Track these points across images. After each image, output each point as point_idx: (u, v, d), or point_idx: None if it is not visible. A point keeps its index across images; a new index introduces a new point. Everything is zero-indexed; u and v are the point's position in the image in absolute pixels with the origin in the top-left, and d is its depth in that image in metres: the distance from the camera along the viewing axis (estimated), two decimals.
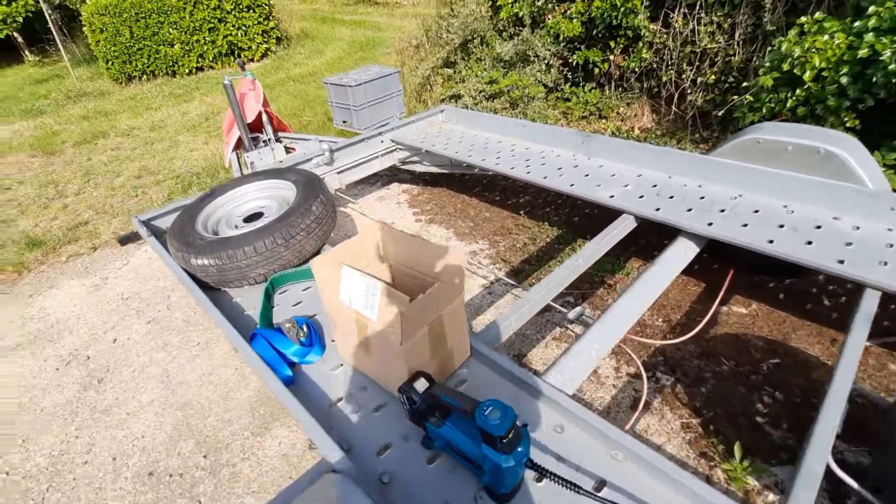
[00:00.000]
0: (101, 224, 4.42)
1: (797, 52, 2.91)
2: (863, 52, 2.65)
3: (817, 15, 3.02)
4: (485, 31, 5.33)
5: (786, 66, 2.98)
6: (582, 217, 3.49)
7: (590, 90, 5.00)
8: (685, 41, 4.18)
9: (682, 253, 2.24)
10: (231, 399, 2.41)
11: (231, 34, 9.77)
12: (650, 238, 3.09)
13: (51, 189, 5.28)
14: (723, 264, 2.75)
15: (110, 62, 9.37)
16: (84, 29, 9.36)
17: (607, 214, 3.41)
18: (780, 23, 3.54)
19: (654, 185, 2.58)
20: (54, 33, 10.65)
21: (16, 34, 12.10)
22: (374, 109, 3.96)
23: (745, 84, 3.56)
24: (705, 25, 4.00)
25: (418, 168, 3.81)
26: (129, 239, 2.76)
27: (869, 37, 2.65)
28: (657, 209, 2.37)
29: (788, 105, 3.08)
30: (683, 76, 4.30)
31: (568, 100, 5.10)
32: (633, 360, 2.30)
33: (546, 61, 4.92)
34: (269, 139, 3.95)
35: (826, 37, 2.86)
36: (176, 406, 2.41)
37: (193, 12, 9.27)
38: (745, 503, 1.69)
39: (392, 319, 1.28)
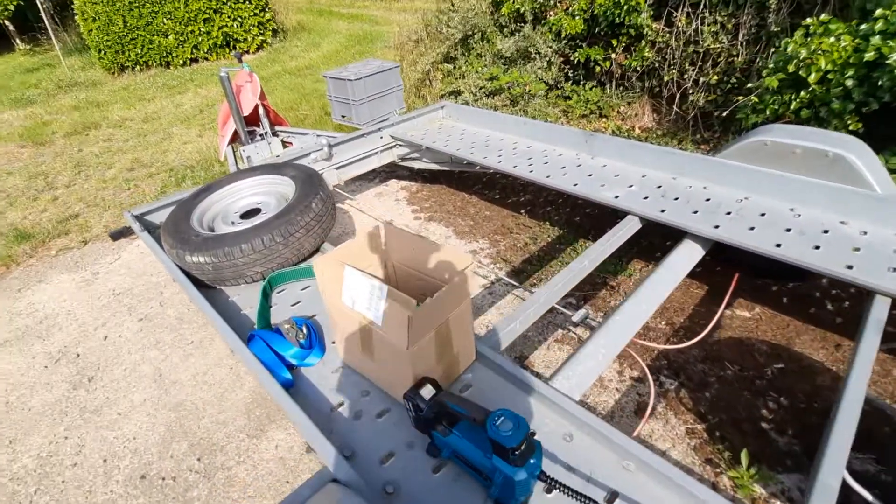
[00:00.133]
0: (92, 217, 4.33)
1: (803, 53, 2.88)
2: (869, 55, 2.63)
3: (823, 17, 2.99)
4: (485, 27, 5.27)
5: (791, 68, 2.96)
6: (583, 217, 3.45)
7: (590, 88, 4.96)
8: (688, 41, 4.15)
9: (687, 256, 2.21)
10: (226, 400, 2.36)
11: (227, 25, 9.62)
12: (652, 239, 3.06)
13: (40, 181, 5.17)
14: (725, 267, 2.73)
15: (103, 52, 9.20)
16: (76, 17, 9.18)
17: (608, 214, 3.38)
18: (785, 24, 3.51)
19: (659, 186, 2.55)
20: (46, 21, 10.44)
21: (7, 22, 11.86)
22: (374, 104, 3.89)
23: (749, 85, 3.53)
24: (709, 25, 3.96)
25: (417, 165, 3.76)
26: (121, 234, 2.69)
27: (875, 40, 2.62)
28: (662, 210, 2.34)
29: (792, 107, 3.05)
30: (685, 76, 4.27)
31: (568, 98, 5.05)
32: (636, 364, 2.27)
33: (547, 59, 4.87)
34: (266, 133, 3.88)
35: (832, 39, 2.83)
36: (169, 406, 2.35)
37: (188, 2, 9.11)
38: None
39: (398, 323, 1.24)
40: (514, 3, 4.97)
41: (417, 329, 1.25)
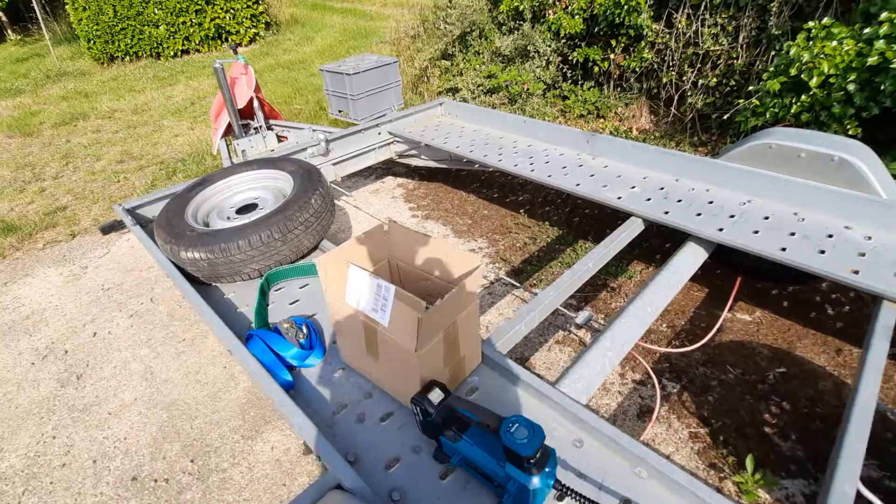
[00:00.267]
0: (80, 210, 4.22)
1: (806, 57, 2.88)
2: (872, 60, 2.63)
3: (825, 20, 2.99)
4: (484, 24, 5.23)
5: (793, 71, 2.95)
6: (582, 217, 3.43)
7: (588, 89, 4.94)
8: (688, 42, 4.14)
9: (691, 258, 2.19)
10: (219, 399, 2.30)
11: (219, 17, 9.48)
12: (652, 241, 3.05)
13: (27, 172, 5.04)
14: (724, 269, 2.72)
15: (92, 41, 9.02)
16: (67, 6, 8.98)
17: (608, 215, 3.36)
18: (786, 27, 3.51)
19: (662, 188, 2.53)
20: (37, 11, 10.22)
21: (0, 13, 11.63)
22: (372, 99, 3.84)
23: (750, 88, 3.53)
24: (709, 27, 3.96)
25: (415, 162, 3.71)
26: (111, 228, 2.61)
27: (880, 44, 2.62)
28: (666, 212, 2.32)
29: (793, 111, 3.05)
30: (684, 78, 4.26)
31: (566, 98, 5.03)
32: (638, 367, 2.25)
33: (546, 58, 4.85)
34: (260, 126, 3.81)
35: (834, 43, 2.83)
36: (161, 406, 2.29)
37: None
38: None
39: (407, 325, 1.20)
40: (513, 0, 4.94)
41: (426, 331, 1.21)
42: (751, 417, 1.98)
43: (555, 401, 1.37)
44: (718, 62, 4.04)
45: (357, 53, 7.60)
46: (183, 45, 9.46)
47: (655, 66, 4.45)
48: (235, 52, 3.71)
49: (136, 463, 2.03)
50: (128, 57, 9.36)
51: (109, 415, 2.27)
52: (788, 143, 2.30)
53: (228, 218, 2.30)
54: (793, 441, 1.88)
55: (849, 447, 1.26)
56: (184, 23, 9.25)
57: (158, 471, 1.99)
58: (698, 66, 4.15)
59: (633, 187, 2.56)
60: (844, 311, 2.44)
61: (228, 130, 3.71)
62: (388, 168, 4.39)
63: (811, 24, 3.02)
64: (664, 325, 2.48)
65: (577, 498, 1.05)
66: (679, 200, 2.41)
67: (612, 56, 4.68)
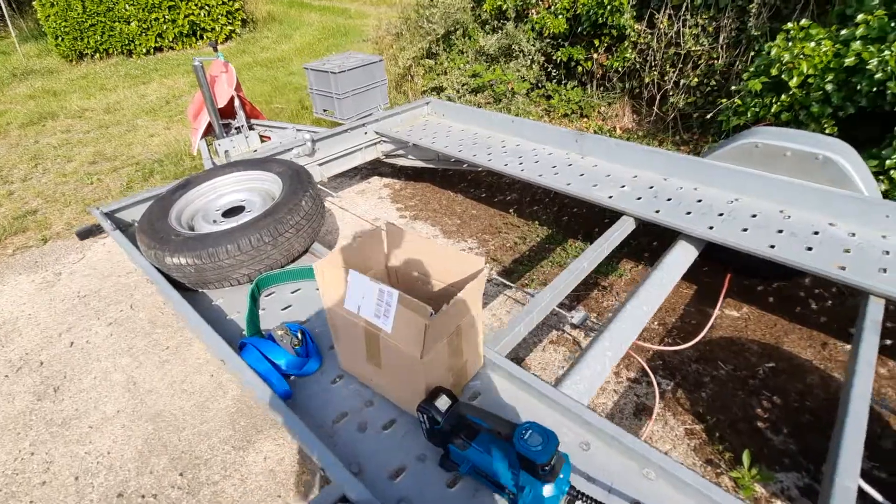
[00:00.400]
0: (51, 213, 4.06)
1: (786, 57, 2.94)
2: (849, 61, 2.70)
3: (803, 21, 3.06)
4: (467, 23, 5.21)
5: (774, 71, 3.01)
6: (571, 216, 3.44)
7: (572, 88, 4.97)
8: (669, 42, 4.20)
9: (682, 256, 2.21)
10: (207, 409, 2.23)
11: (193, 13, 9.24)
12: (640, 239, 3.07)
13: None
14: (712, 267, 2.76)
15: (60, 38, 8.69)
16: (33, 3, 8.63)
17: (597, 214, 3.38)
18: (765, 28, 3.59)
19: (651, 187, 2.55)
20: (2, 7, 9.79)
21: None
22: (358, 98, 3.79)
23: (733, 87, 3.60)
24: (690, 28, 4.02)
25: (402, 162, 3.67)
26: (89, 233, 2.51)
27: (856, 45, 2.69)
28: (657, 211, 2.34)
29: (773, 110, 3.12)
30: (666, 77, 4.32)
31: (550, 97, 5.05)
32: (632, 365, 2.26)
33: (530, 57, 4.86)
34: (242, 126, 3.72)
35: (813, 44, 2.90)
36: (145, 417, 2.20)
37: None
38: None
39: (412, 331, 1.17)
40: None
41: (432, 337, 1.18)
42: (744, 413, 2.01)
43: (559, 403, 1.36)
44: (699, 62, 4.10)
45: (337, 52, 7.51)
46: (156, 42, 9.19)
47: (638, 66, 4.50)
48: (215, 50, 3.61)
49: (122, 478, 1.95)
50: (98, 54, 9.05)
51: (91, 428, 2.18)
52: (774, 142, 2.35)
53: (215, 221, 2.23)
54: (785, 435, 1.92)
55: (847, 444, 1.28)
56: (156, 19, 8.99)
57: (146, 486, 1.91)
58: (680, 66, 4.22)
59: (623, 186, 2.58)
60: (827, 305, 2.50)
61: (209, 130, 3.61)
62: (373, 168, 4.33)
63: (790, 25, 3.09)
64: (656, 323, 2.51)
65: (589, 502, 1.04)
66: (669, 199, 2.43)
67: (595, 56, 4.72)
